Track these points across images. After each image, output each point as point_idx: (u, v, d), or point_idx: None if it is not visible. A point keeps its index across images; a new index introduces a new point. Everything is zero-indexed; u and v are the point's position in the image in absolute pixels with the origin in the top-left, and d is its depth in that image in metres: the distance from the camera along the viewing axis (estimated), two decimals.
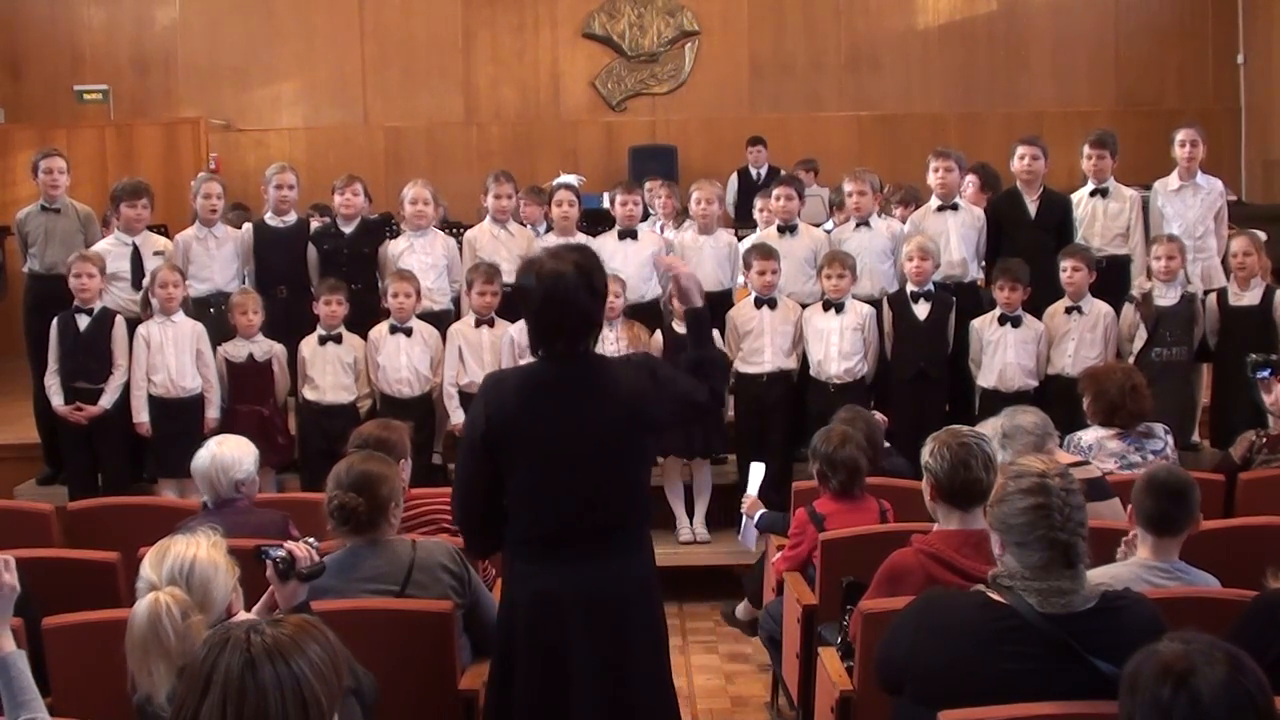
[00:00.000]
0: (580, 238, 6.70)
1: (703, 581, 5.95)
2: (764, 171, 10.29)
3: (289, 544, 2.97)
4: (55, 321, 6.15)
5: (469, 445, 3.13)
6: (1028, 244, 6.40)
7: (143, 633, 2.51)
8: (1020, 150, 6.56)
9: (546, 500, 3.04)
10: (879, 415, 5.35)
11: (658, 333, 6.19)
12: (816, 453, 4.32)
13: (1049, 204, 6.56)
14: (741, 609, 5.23)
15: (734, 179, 10.29)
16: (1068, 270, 6.13)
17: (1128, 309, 6.28)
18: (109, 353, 6.13)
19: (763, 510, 4.87)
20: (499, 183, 6.72)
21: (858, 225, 6.61)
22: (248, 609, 2.89)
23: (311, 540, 3.05)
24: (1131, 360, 6.00)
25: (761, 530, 4.95)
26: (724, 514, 6.28)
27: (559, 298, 3.00)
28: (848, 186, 6.66)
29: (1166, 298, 6.17)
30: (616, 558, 3.07)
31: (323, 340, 6.16)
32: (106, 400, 6.12)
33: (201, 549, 2.72)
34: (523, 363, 3.16)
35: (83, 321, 6.12)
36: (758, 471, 5.00)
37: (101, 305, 6.17)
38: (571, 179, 8.50)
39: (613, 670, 3.04)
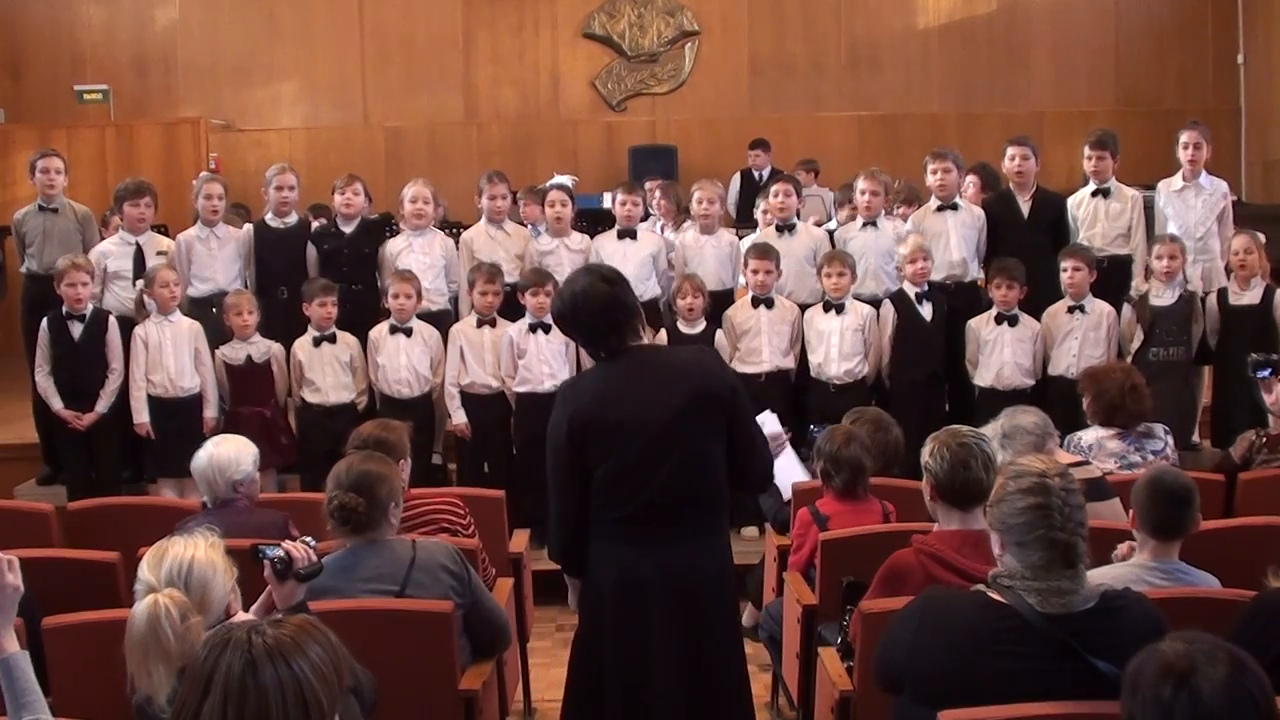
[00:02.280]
0: (577, 237, 6.71)
1: None
2: (766, 174, 10.27)
3: (286, 543, 2.96)
4: (45, 322, 6.13)
5: (555, 451, 3.31)
6: (1021, 245, 6.39)
7: (142, 635, 2.50)
8: (1010, 151, 6.56)
9: (628, 483, 3.24)
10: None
11: (662, 331, 6.19)
12: (821, 451, 4.29)
13: (1042, 204, 6.55)
14: (747, 616, 5.14)
15: (736, 180, 10.27)
16: (1068, 270, 6.13)
17: (1126, 309, 6.28)
18: (105, 357, 6.14)
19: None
20: (492, 183, 6.71)
21: (864, 225, 6.61)
22: (245, 609, 2.89)
23: (309, 540, 3.05)
24: (1129, 360, 6.00)
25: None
26: None
27: (591, 304, 3.30)
28: (861, 184, 6.64)
29: (1164, 298, 6.17)
30: (697, 538, 3.29)
31: (317, 342, 6.16)
32: (102, 405, 6.12)
33: (199, 550, 2.72)
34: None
35: (76, 329, 6.11)
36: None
37: (93, 308, 6.16)
38: (564, 179, 8.49)
39: (693, 647, 3.26)
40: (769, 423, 4.70)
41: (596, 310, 3.31)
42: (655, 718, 3.24)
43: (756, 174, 10.34)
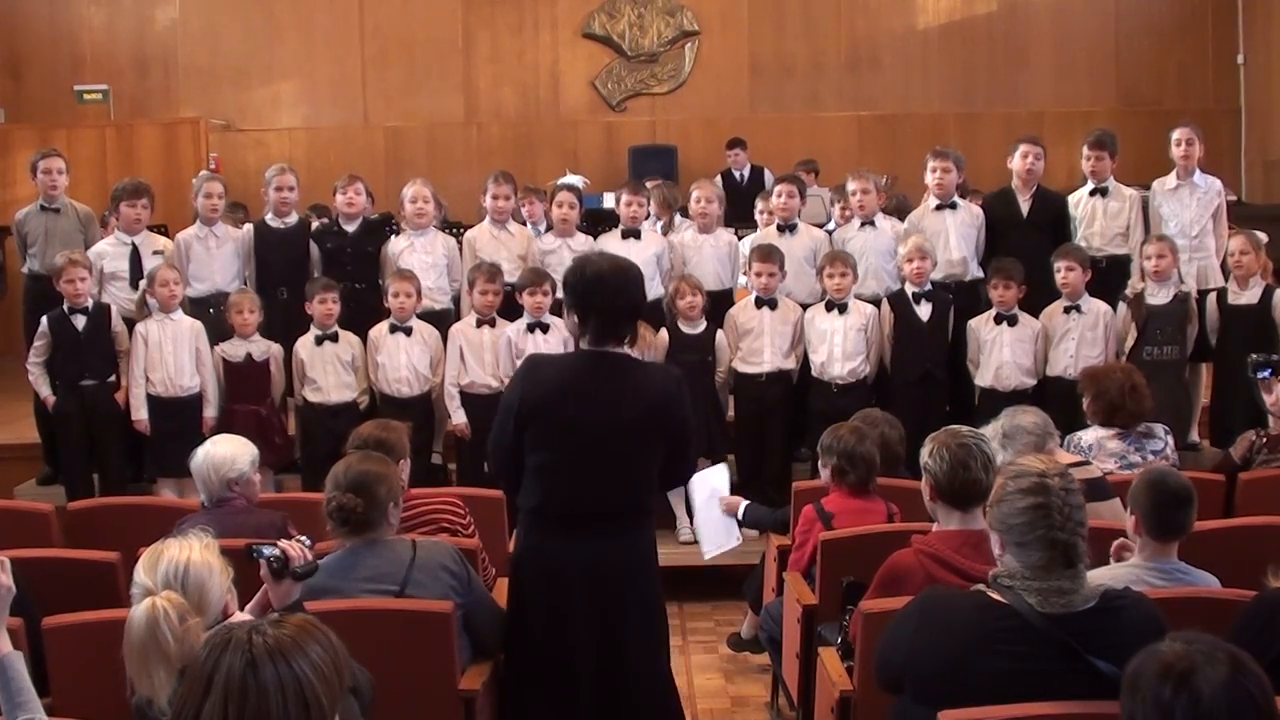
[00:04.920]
0: (580, 238, 6.70)
1: (703, 581, 5.94)
2: (746, 173, 10.28)
3: (282, 542, 2.96)
4: (45, 319, 6.13)
5: (505, 411, 3.45)
6: (1020, 243, 6.39)
7: (141, 639, 2.49)
8: (1023, 149, 6.55)
9: (564, 482, 3.36)
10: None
11: (663, 331, 6.19)
12: (833, 449, 4.26)
13: (1042, 203, 6.55)
14: (745, 628, 5.11)
15: (718, 181, 10.23)
16: (1061, 271, 6.13)
17: (1121, 308, 6.28)
18: (111, 347, 6.15)
19: (745, 504, 4.84)
20: (498, 183, 6.72)
21: (862, 225, 6.61)
22: (240, 608, 2.88)
23: (304, 538, 3.05)
24: (1123, 360, 6.00)
25: (747, 525, 4.93)
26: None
27: (619, 281, 3.39)
28: (852, 185, 6.64)
29: (1158, 297, 6.18)
30: (621, 536, 3.40)
31: (319, 341, 6.16)
32: (136, 403, 6.10)
33: (195, 551, 2.70)
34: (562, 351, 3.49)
35: (80, 321, 6.11)
36: (720, 473, 4.96)
37: (94, 302, 6.17)
38: (575, 180, 8.47)
39: (610, 635, 3.37)
40: (719, 480, 4.84)
41: (624, 294, 3.39)
42: (576, 696, 3.36)
43: (737, 173, 10.34)
